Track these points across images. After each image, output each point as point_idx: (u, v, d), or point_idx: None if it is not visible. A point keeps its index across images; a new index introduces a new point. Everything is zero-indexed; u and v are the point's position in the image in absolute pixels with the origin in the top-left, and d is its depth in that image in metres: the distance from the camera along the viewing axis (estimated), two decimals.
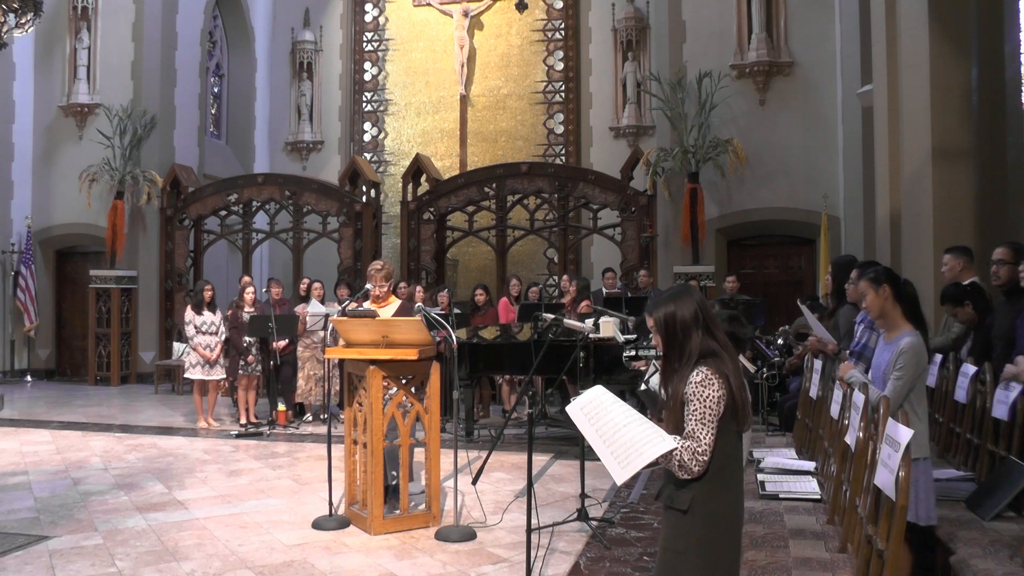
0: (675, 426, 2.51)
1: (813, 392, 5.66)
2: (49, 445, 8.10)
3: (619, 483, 2.40)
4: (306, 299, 9.52)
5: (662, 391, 2.63)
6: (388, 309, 5.58)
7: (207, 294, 9.08)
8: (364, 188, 12.85)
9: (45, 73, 13.53)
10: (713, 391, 2.42)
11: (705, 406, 2.42)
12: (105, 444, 8.15)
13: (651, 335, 2.63)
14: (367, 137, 15.38)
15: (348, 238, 12.54)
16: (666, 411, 2.55)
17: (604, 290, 10.08)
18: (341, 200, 12.64)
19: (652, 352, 7.04)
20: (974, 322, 5.20)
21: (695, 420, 2.42)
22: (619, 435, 2.43)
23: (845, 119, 11.15)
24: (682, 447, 2.41)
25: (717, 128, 11.41)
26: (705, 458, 2.41)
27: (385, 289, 5.73)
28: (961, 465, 4.69)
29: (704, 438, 2.41)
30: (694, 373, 2.46)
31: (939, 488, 3.87)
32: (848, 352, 5.11)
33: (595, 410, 2.51)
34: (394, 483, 5.38)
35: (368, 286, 5.73)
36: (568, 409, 2.57)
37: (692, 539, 2.47)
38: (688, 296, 2.57)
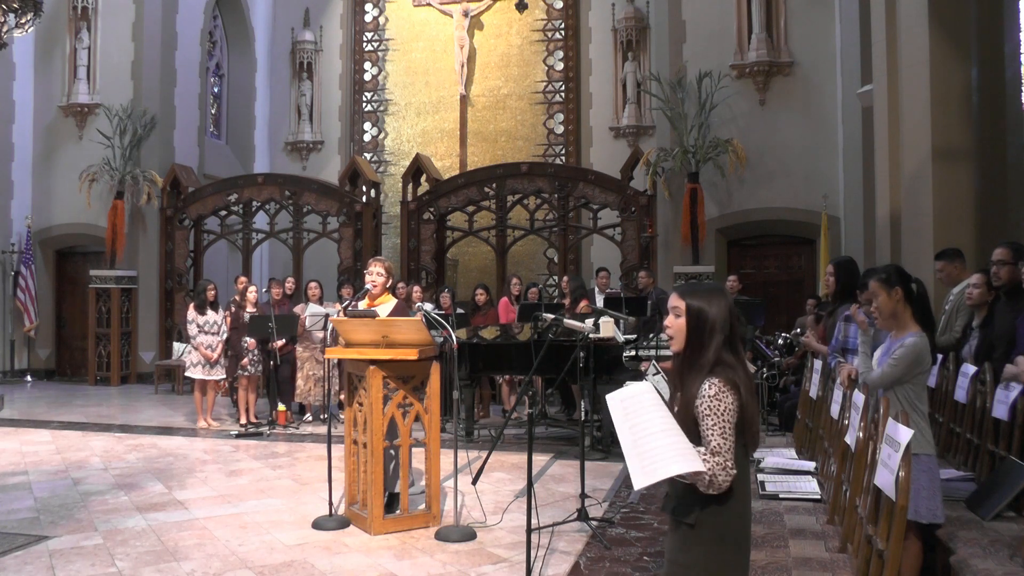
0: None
1: (813, 392, 5.67)
2: (49, 445, 8.10)
3: (637, 487, 2.31)
4: (293, 297, 9.52)
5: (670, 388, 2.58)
6: (384, 308, 5.54)
7: (210, 293, 9.09)
8: (364, 188, 12.85)
9: (45, 73, 13.53)
10: (728, 403, 2.36)
11: (724, 419, 2.35)
12: (105, 444, 8.15)
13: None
14: (367, 137, 15.38)
15: (348, 238, 12.53)
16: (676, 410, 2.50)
17: (597, 289, 10.08)
18: (341, 200, 12.64)
19: (652, 352, 7.05)
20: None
21: (717, 435, 2.34)
22: (652, 440, 2.32)
23: (845, 119, 11.15)
24: (714, 463, 2.33)
25: (717, 128, 11.41)
26: (734, 471, 2.35)
27: (379, 284, 5.53)
28: (961, 465, 4.69)
29: (727, 451, 2.34)
30: (706, 386, 2.38)
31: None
32: (830, 354, 5.15)
33: (635, 407, 2.39)
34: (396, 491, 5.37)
35: (367, 286, 5.70)
36: (608, 396, 2.47)
37: (699, 554, 2.42)
38: (723, 298, 2.49)
